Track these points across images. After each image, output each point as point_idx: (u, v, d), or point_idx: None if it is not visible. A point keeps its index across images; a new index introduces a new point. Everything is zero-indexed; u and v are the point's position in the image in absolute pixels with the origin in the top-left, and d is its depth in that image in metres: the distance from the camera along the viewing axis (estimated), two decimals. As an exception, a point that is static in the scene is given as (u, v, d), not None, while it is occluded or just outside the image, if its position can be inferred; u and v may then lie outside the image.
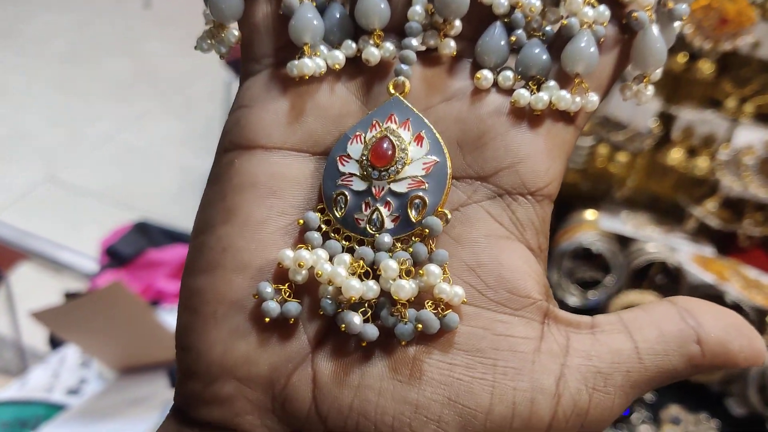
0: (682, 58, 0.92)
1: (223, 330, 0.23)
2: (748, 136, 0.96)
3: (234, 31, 0.25)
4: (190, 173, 2.47)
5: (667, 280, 1.04)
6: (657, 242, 1.02)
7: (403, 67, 0.24)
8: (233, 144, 0.25)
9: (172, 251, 1.40)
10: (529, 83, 0.24)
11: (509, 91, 0.24)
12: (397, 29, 0.25)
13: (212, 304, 0.23)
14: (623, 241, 1.05)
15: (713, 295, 1.01)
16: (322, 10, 0.25)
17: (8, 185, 2.32)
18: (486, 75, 0.24)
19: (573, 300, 1.03)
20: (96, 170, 2.46)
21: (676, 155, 1.00)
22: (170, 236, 1.48)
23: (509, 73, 0.25)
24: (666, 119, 1.00)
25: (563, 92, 0.24)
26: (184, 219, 2.21)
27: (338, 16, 0.25)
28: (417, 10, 0.24)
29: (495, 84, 0.25)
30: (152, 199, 2.35)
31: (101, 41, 3.17)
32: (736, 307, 0.99)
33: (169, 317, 1.24)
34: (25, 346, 1.65)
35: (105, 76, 2.97)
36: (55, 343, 1.29)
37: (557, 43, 0.25)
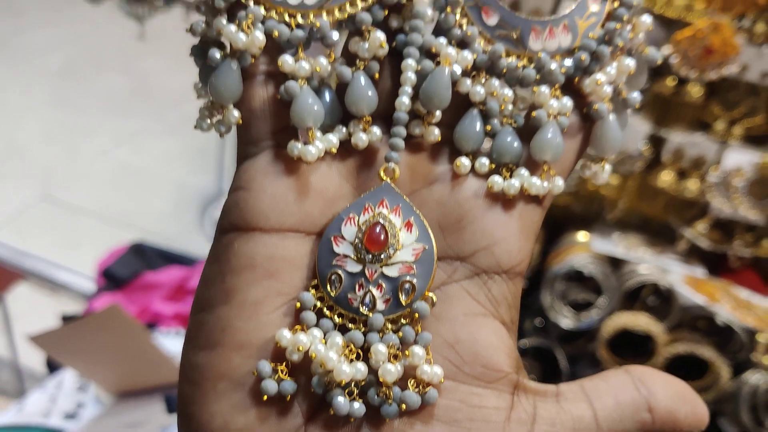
0: (671, 82, 0.94)
1: (224, 404, 0.24)
2: (737, 158, 0.97)
3: (234, 112, 0.26)
4: (186, 190, 2.48)
5: (658, 301, 1.05)
6: (648, 264, 1.03)
7: (393, 154, 0.26)
8: (232, 225, 0.26)
9: (168, 273, 1.41)
10: (503, 170, 0.26)
11: (485, 176, 0.26)
12: (382, 115, 0.27)
13: (213, 379, 0.24)
14: (615, 263, 1.06)
15: (705, 316, 1.02)
16: (315, 93, 0.26)
17: (4, 204, 2.33)
18: (464, 162, 0.26)
19: (566, 322, 1.04)
20: (92, 188, 2.47)
21: (666, 177, 1.01)
22: (166, 258, 1.49)
23: (485, 160, 0.26)
24: (656, 142, 1.01)
25: (533, 179, 0.26)
26: (180, 237, 2.23)
27: (329, 101, 0.26)
28: (404, 101, 0.26)
29: (472, 169, 0.26)
30: (148, 217, 2.36)
31: (97, 57, 3.18)
32: (728, 328, 1.00)
33: (165, 340, 1.24)
34: (22, 367, 1.65)
35: (100, 92, 2.98)
36: (52, 365, 1.29)
37: (527, 130, 0.27)
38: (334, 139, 0.26)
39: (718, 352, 1.02)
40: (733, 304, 0.99)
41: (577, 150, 0.27)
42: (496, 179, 0.26)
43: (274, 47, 0.26)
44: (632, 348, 1.06)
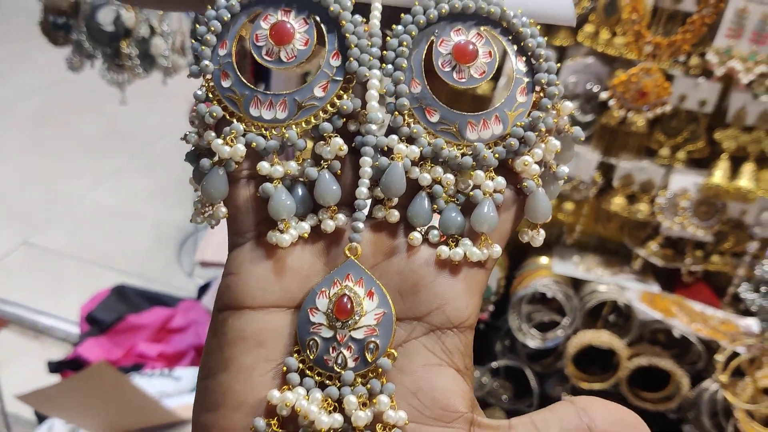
0: (616, 114, 1.01)
1: None
2: (682, 181, 1.05)
3: (222, 208, 0.32)
4: (164, 227, 2.51)
5: (619, 318, 1.12)
6: (607, 283, 1.10)
7: (356, 235, 0.31)
8: (225, 305, 0.31)
9: (151, 314, 1.45)
10: (450, 240, 0.32)
11: (436, 245, 0.32)
12: (347, 202, 0.32)
13: None
14: (576, 284, 1.12)
15: (663, 329, 1.09)
16: (289, 189, 0.32)
17: (-18, 251, 2.34)
18: (416, 236, 0.32)
19: (533, 342, 1.10)
20: (71, 231, 2.49)
21: (618, 201, 1.08)
22: (148, 299, 1.52)
23: (436, 232, 0.32)
24: (606, 169, 1.08)
25: (474, 248, 0.31)
26: (160, 274, 2.26)
27: (301, 194, 0.32)
28: (363, 191, 0.31)
29: (425, 240, 0.32)
30: (128, 256, 2.39)
31: (70, 101, 3.21)
32: (685, 340, 1.07)
33: (151, 381, 1.28)
34: (10, 413, 1.67)
35: (75, 136, 3.01)
36: (41, 414, 1.32)
37: (469, 205, 0.32)
38: (306, 226, 0.32)
39: (677, 363, 1.08)
40: (688, 318, 1.06)
41: (513, 220, 0.33)
42: (443, 248, 0.31)
43: (254, 154, 0.32)
44: (597, 363, 1.12)
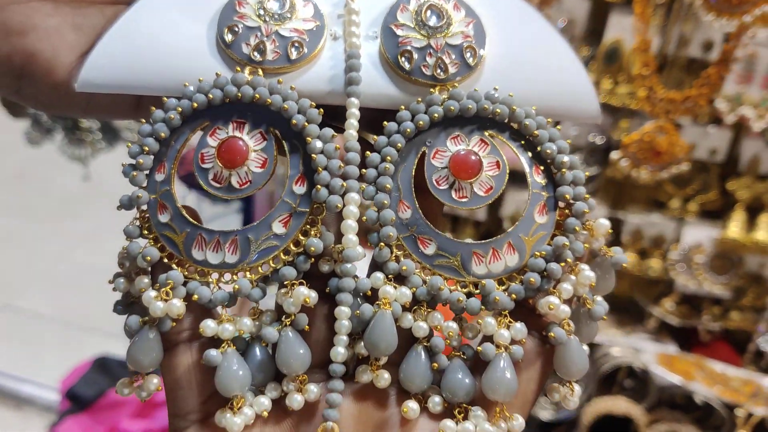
0: (622, 165, 0.94)
1: None
2: (695, 234, 0.98)
3: (154, 379, 0.25)
4: (151, 284, 2.43)
5: (635, 383, 1.04)
6: (621, 346, 1.02)
7: (331, 412, 0.24)
8: None
9: (135, 389, 1.37)
10: (456, 410, 0.25)
11: (438, 417, 0.24)
12: (319, 364, 0.25)
13: None
14: (588, 348, 1.05)
15: (682, 394, 1.01)
16: (243, 352, 0.25)
17: (-38, 316, 2.26)
18: (412, 407, 0.24)
19: (545, 414, 1.02)
20: (53, 293, 2.41)
21: (628, 258, 1.01)
22: (132, 371, 1.44)
23: (438, 399, 0.25)
24: (614, 224, 1.01)
25: (488, 425, 0.24)
26: (147, 335, 2.17)
27: (259, 357, 0.25)
28: (339, 350, 0.24)
29: (424, 410, 0.25)
30: (112, 319, 2.30)
31: (48, 158, 3.15)
32: (707, 406, 0.99)
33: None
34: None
35: (55, 194, 2.94)
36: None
37: (479, 360, 0.25)
38: (265, 401, 0.25)
39: (699, 428, 1.00)
40: (709, 380, 0.98)
41: (538, 379, 0.26)
42: (448, 424, 0.24)
43: (198, 308, 0.24)
44: (614, 432, 1.04)
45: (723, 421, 1.00)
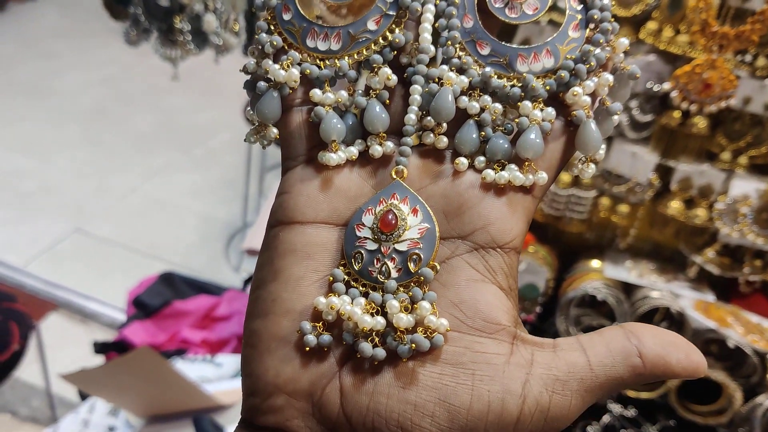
0: (677, 114, 0.98)
1: (275, 358, 0.30)
2: (743, 186, 1.01)
3: (273, 129, 0.34)
4: (212, 223, 2.55)
5: (670, 325, 1.08)
6: (660, 289, 1.06)
7: (402, 159, 0.32)
8: (277, 221, 0.32)
9: (196, 302, 1.46)
10: (495, 165, 0.32)
11: (481, 171, 0.32)
12: (395, 131, 0.33)
13: (266, 341, 0.30)
14: (627, 289, 1.09)
15: (716, 339, 1.05)
16: (340, 116, 0.33)
17: (37, 237, 2.41)
18: (462, 161, 0.32)
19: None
20: (121, 221, 2.54)
21: (675, 206, 1.05)
22: (194, 287, 1.54)
23: (482, 158, 0.32)
24: (664, 171, 1.05)
25: (518, 173, 0.31)
26: (206, 267, 2.29)
27: (351, 123, 0.33)
28: (411, 117, 0.32)
29: (471, 166, 0.32)
30: (176, 249, 2.42)
31: (126, 97, 3.29)
32: (739, 352, 1.03)
33: (193, 366, 1.29)
34: (54, 394, 1.70)
35: (130, 130, 3.08)
36: (84, 394, 1.34)
37: (517, 136, 0.32)
38: (354, 150, 0.32)
39: (730, 375, 1.04)
40: (744, 329, 1.02)
41: (562, 150, 0.32)
42: (489, 172, 0.31)
43: (308, 83, 0.32)
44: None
45: (755, 369, 1.03)
